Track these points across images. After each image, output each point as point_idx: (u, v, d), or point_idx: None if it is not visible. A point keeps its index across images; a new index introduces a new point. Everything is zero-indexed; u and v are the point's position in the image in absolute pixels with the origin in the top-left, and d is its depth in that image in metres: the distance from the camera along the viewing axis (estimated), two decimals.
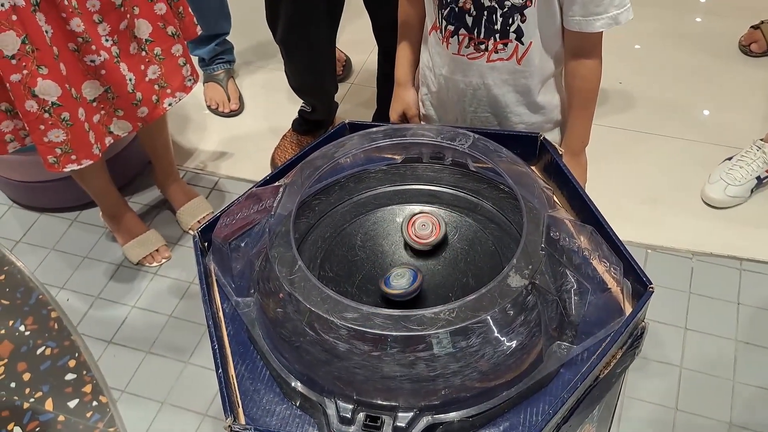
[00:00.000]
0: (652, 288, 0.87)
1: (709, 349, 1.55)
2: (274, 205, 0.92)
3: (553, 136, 1.18)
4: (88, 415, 1.53)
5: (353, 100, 2.22)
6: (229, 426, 0.79)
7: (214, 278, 0.98)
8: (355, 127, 1.10)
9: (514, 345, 0.80)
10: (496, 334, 0.79)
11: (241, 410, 0.84)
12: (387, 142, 1.00)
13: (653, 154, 1.98)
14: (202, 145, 2.14)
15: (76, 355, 1.64)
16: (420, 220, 0.92)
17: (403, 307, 0.86)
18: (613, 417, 1.14)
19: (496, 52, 1.11)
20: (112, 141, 1.58)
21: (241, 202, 0.98)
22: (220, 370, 0.84)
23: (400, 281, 0.86)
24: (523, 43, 1.09)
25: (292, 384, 0.85)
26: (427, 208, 0.99)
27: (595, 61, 1.11)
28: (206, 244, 1.00)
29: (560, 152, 1.06)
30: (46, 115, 1.42)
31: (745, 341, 1.55)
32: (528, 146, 1.06)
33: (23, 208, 1.99)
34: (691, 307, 1.62)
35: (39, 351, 1.65)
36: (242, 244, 0.92)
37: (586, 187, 1.17)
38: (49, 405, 1.55)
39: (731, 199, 1.81)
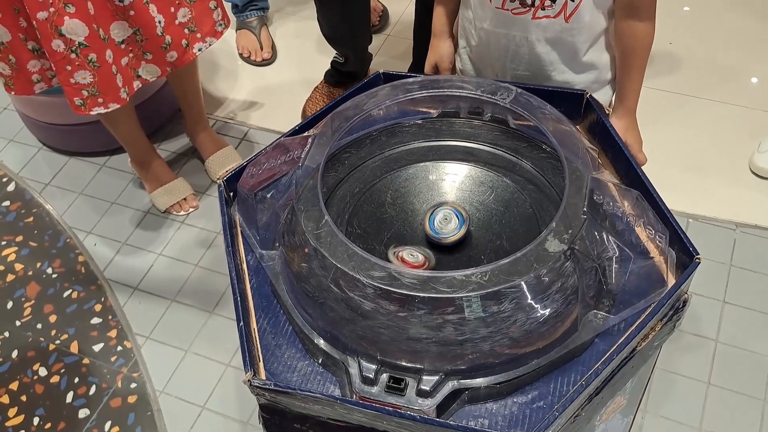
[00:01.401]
0: (698, 259, 0.82)
1: (747, 324, 1.50)
2: (302, 156, 0.88)
3: (600, 96, 1.12)
4: (113, 359, 1.54)
5: (389, 53, 2.16)
6: (249, 380, 0.77)
7: (238, 229, 0.95)
8: (389, 77, 1.05)
9: (548, 312, 0.76)
10: (529, 301, 0.75)
11: (261, 365, 0.82)
12: (423, 94, 0.95)
13: (701, 119, 1.89)
14: (233, 94, 2.10)
15: (102, 299, 1.64)
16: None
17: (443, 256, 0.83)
18: (645, 389, 1.10)
19: (543, 9, 1.04)
20: (140, 85, 1.55)
21: (269, 152, 0.94)
22: (242, 323, 0.82)
23: (448, 226, 0.84)
24: (573, 0, 1.02)
25: (315, 341, 0.82)
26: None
27: (650, 21, 1.04)
28: (232, 194, 0.97)
29: (607, 112, 1.01)
30: (73, 56, 1.39)
31: None
32: (573, 104, 1.01)
33: (52, 151, 1.98)
34: (731, 279, 1.56)
35: (65, 294, 1.66)
36: (268, 196, 0.89)
37: (643, 148, 1.10)
38: (74, 347, 1.56)
39: None
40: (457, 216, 0.85)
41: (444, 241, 0.84)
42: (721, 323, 1.50)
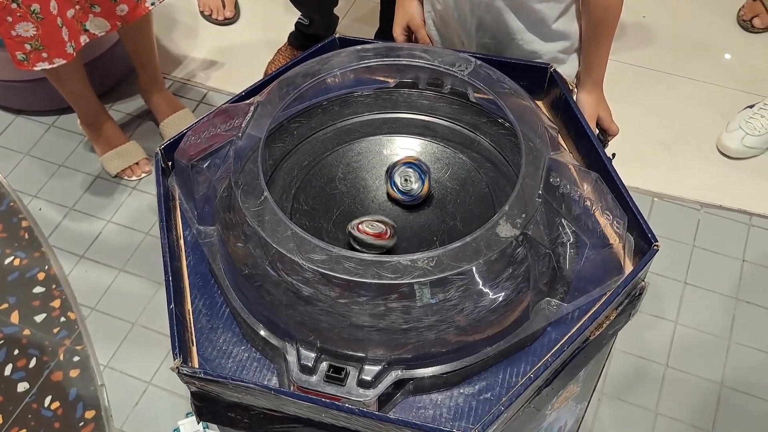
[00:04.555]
0: (656, 246, 0.79)
1: (708, 305, 1.48)
2: (242, 125, 0.82)
3: (568, 66, 1.07)
4: (55, 330, 1.48)
5: (355, 15, 2.08)
6: (177, 368, 0.72)
7: (177, 202, 0.89)
8: (346, 42, 0.99)
9: (498, 300, 0.72)
10: (479, 287, 0.71)
11: (194, 349, 0.77)
12: (379, 62, 0.89)
13: (671, 95, 1.86)
14: (192, 53, 2.01)
15: (46, 267, 1.57)
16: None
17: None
18: (600, 374, 1.07)
19: None
20: (87, 40, 1.46)
21: (210, 118, 0.88)
22: (172, 305, 0.76)
23: (411, 185, 0.82)
24: None
25: (253, 326, 0.78)
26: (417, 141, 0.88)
27: None
28: (170, 163, 0.91)
29: (571, 87, 0.96)
30: (14, 6, 1.30)
31: (746, 300, 1.48)
32: (536, 79, 0.96)
33: None
34: (693, 260, 1.54)
35: (7, 261, 1.58)
36: (204, 166, 0.83)
37: (614, 120, 1.07)
38: (14, 318, 1.50)
39: (748, 149, 1.70)
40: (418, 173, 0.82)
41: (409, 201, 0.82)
42: (681, 305, 1.48)
